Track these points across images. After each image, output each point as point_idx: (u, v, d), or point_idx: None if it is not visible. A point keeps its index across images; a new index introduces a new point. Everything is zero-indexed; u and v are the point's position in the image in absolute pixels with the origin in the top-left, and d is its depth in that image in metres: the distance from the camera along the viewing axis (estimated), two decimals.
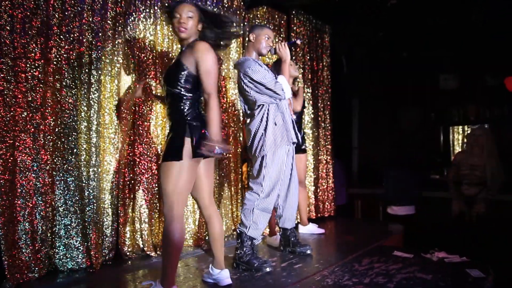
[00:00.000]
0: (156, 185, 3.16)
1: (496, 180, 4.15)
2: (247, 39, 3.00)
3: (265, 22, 4.09)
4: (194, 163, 2.15)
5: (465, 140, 4.79)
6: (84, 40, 2.74)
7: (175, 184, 2.10)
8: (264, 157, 2.84)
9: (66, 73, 2.70)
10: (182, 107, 2.17)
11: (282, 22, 4.33)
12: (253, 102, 2.86)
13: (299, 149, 3.62)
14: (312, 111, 4.69)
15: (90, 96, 2.78)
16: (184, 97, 2.17)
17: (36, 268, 2.52)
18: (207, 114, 2.14)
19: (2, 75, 2.38)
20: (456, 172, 4.21)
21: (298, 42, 2.97)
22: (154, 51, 3.15)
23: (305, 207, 3.97)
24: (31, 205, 2.51)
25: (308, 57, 4.65)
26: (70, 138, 2.73)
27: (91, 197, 2.77)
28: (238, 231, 2.85)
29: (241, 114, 3.89)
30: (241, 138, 3.92)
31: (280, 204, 3.11)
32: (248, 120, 2.96)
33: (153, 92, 3.10)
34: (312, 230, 3.89)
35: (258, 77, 2.78)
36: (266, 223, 2.89)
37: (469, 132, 5.08)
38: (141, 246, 3.11)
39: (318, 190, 4.69)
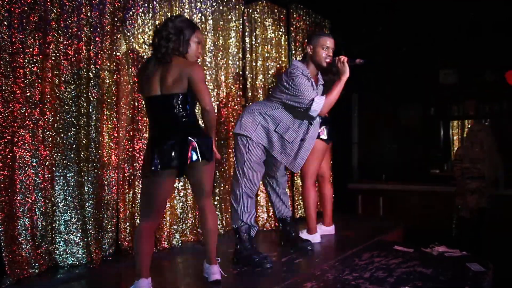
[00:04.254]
0: None
1: (495, 174, 4.16)
2: (306, 50, 3.00)
3: (264, 17, 4.07)
4: None
5: (465, 135, 4.80)
6: (83, 35, 2.73)
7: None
8: (247, 138, 2.87)
9: (64, 69, 2.69)
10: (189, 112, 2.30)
11: (282, 16, 4.31)
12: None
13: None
14: None
15: (89, 92, 2.77)
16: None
17: (36, 264, 2.52)
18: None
19: (0, 70, 2.37)
20: (460, 166, 4.22)
21: (359, 61, 2.83)
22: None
23: (330, 207, 3.64)
24: (30, 201, 2.51)
25: None
26: (69, 134, 2.72)
27: (91, 192, 2.77)
28: (235, 226, 2.86)
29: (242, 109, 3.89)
30: None
31: (276, 201, 3.18)
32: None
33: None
34: (331, 231, 3.62)
35: (295, 89, 2.78)
36: (254, 208, 2.94)
37: (469, 127, 5.09)
38: None
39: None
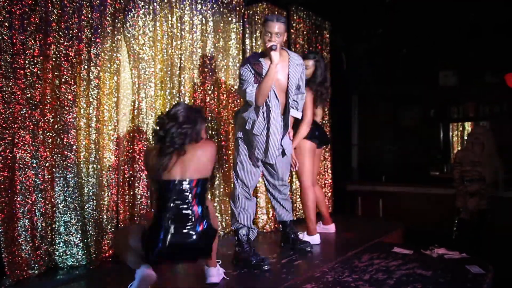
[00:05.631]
0: None
1: (495, 176, 4.16)
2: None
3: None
4: None
5: (466, 138, 4.82)
6: (83, 37, 2.73)
7: None
8: (238, 139, 2.91)
9: (65, 70, 2.69)
10: None
11: None
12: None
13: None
14: None
15: (89, 93, 2.77)
16: None
17: (36, 265, 2.52)
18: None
19: (1, 71, 2.37)
20: (460, 169, 4.23)
21: (273, 47, 2.58)
22: (153, 48, 3.14)
23: (325, 206, 3.74)
24: (30, 202, 2.51)
25: None
26: (69, 135, 2.72)
27: (91, 193, 2.77)
28: (234, 228, 2.89)
29: None
30: None
31: (276, 207, 3.15)
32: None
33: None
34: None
35: (239, 81, 2.81)
36: (254, 210, 2.95)
37: (470, 130, 5.11)
38: None
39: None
